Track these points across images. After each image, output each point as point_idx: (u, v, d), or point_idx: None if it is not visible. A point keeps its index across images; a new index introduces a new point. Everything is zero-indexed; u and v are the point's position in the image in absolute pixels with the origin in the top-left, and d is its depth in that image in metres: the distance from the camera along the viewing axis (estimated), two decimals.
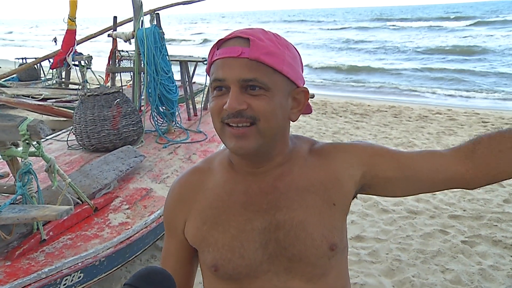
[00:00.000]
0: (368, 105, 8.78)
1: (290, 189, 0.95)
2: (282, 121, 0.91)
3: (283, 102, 0.90)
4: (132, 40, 4.13)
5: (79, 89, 6.06)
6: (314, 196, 0.95)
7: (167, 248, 1.07)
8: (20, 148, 2.08)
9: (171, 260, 1.06)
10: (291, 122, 0.97)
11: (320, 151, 1.01)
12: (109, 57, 4.51)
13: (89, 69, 5.50)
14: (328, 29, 36.39)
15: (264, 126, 0.87)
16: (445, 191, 4.14)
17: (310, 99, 1.00)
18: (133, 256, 2.41)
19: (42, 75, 7.80)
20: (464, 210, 3.76)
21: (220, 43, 0.90)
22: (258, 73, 0.85)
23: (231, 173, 0.99)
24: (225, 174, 0.99)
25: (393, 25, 35.76)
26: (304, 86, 0.95)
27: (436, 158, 0.97)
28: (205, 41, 29.98)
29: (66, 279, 1.92)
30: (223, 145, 0.96)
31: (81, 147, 3.58)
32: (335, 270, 0.96)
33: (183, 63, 4.62)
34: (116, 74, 4.68)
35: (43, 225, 2.14)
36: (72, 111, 4.04)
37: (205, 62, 4.47)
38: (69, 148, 3.63)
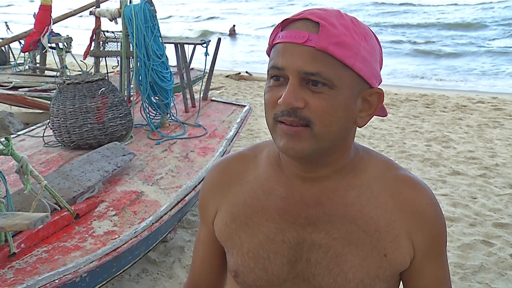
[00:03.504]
0: (395, 94, 8.73)
1: (336, 213, 0.94)
2: (345, 125, 0.88)
3: (349, 103, 0.87)
4: (119, 19, 4.11)
5: (56, 76, 6.04)
6: (363, 236, 0.93)
7: (199, 234, 1.14)
8: None
9: (200, 248, 1.13)
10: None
11: (399, 186, 0.95)
12: (91, 38, 4.48)
13: (68, 53, 5.48)
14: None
15: (320, 130, 0.85)
16: (489, 194, 4.08)
17: None
18: (121, 271, 2.40)
19: (11, 59, 7.75)
20: None
21: (285, 24, 0.88)
22: (323, 66, 0.83)
23: (276, 171, 1.00)
24: (269, 170, 1.01)
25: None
26: (379, 87, 0.91)
27: None
28: None
29: None
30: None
31: (60, 144, 3.57)
32: None
33: (179, 46, 4.59)
34: (101, 59, 4.66)
35: (13, 236, 2.12)
36: (49, 102, 4.04)
37: (204, 45, 4.48)
38: (46, 145, 3.62)
